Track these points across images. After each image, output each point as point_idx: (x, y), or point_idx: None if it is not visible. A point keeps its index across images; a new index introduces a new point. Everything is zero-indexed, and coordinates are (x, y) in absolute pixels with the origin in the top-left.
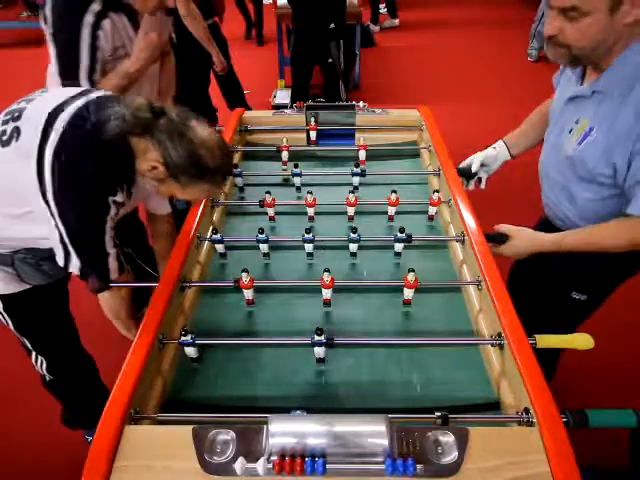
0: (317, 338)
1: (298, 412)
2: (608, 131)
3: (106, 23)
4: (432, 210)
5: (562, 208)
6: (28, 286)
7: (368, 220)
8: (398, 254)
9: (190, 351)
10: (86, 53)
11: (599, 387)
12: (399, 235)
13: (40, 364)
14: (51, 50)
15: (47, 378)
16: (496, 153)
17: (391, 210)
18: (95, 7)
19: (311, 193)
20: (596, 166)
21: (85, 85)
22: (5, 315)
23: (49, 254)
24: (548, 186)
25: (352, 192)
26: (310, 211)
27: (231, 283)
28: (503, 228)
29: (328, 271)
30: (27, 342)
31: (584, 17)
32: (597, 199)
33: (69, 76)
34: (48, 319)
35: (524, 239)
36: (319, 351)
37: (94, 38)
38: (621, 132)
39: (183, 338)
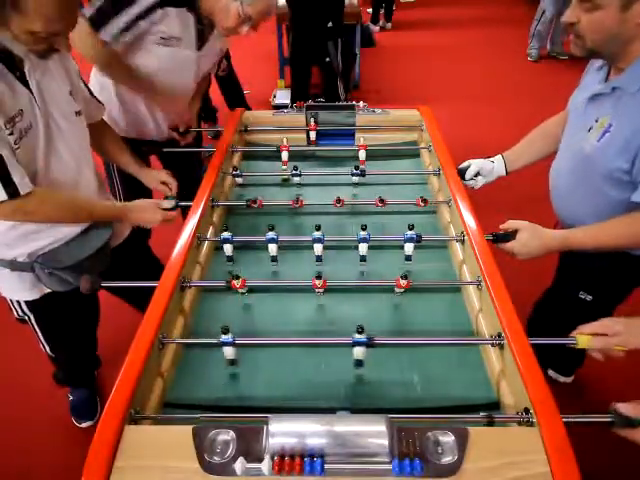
0: (357, 337)
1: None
2: (626, 126)
3: (158, 14)
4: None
5: (578, 213)
6: (49, 291)
7: (368, 220)
8: (409, 256)
9: (228, 352)
10: (126, 18)
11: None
12: (408, 233)
13: (43, 346)
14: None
15: (49, 353)
16: (492, 168)
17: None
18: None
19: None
20: (614, 161)
21: (107, 38)
22: (29, 313)
23: (62, 265)
24: (561, 192)
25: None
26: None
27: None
28: (512, 223)
29: (319, 277)
30: (39, 334)
31: (597, 10)
32: (614, 202)
33: (99, 20)
34: (66, 324)
35: (533, 234)
36: (358, 352)
37: (141, 17)
38: (638, 126)
39: (224, 337)
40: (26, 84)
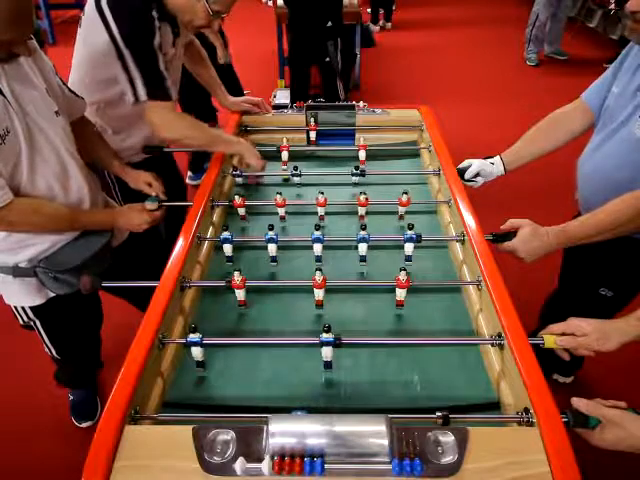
0: (324, 336)
1: (299, 413)
2: None
3: (162, 29)
4: (401, 210)
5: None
6: (53, 295)
7: (368, 220)
8: (409, 257)
9: (196, 353)
10: (162, 61)
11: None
12: (408, 233)
13: (49, 350)
14: (116, 66)
15: (55, 356)
16: (491, 170)
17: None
18: (154, 14)
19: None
20: None
21: (174, 96)
22: (34, 319)
23: (65, 267)
24: (599, 181)
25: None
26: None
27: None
28: (513, 222)
29: (320, 270)
30: (45, 338)
31: None
32: None
33: (158, 92)
34: (71, 326)
35: (534, 231)
36: (327, 353)
37: (160, 45)
38: None
39: (191, 336)
40: None
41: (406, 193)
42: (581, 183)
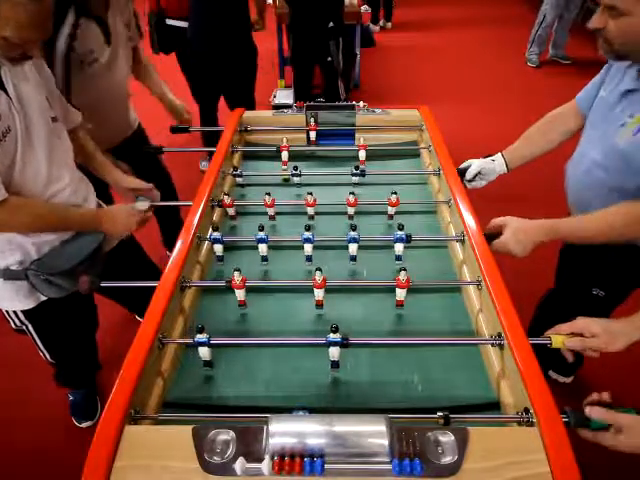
0: (332, 336)
1: (301, 413)
2: None
3: (79, 32)
4: (391, 210)
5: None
6: (45, 299)
7: (368, 220)
8: (399, 257)
9: (204, 353)
10: (60, 64)
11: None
12: (398, 233)
13: (43, 354)
14: None
15: (49, 360)
16: (494, 167)
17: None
18: (70, 19)
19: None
20: None
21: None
22: (26, 323)
23: (56, 270)
24: (580, 191)
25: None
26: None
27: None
28: (496, 220)
29: (320, 270)
30: (39, 342)
31: (623, 16)
32: None
33: None
34: (64, 331)
35: (519, 224)
36: (334, 353)
37: (69, 49)
38: None
39: (199, 336)
40: (3, 88)
41: (395, 193)
42: (572, 187)
